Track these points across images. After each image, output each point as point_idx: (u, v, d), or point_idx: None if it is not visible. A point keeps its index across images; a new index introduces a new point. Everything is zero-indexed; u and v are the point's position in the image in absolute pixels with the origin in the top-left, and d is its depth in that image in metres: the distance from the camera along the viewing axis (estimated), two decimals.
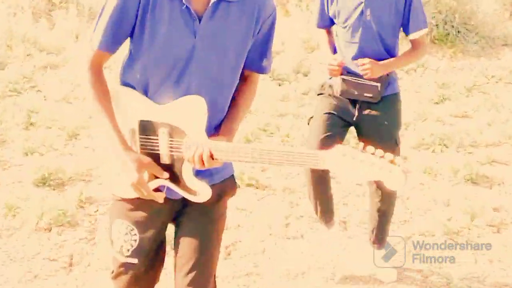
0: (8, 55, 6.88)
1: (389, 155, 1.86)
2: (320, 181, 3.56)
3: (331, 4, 3.41)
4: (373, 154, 1.87)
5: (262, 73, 2.29)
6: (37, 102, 5.82)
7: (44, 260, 3.61)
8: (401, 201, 4.49)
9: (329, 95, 3.44)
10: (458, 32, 8.38)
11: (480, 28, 8.60)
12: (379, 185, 3.35)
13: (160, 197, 2.12)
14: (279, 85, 6.81)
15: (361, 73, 3.26)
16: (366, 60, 3.24)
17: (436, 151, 5.43)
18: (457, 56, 8.08)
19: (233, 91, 2.21)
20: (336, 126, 3.41)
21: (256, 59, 2.23)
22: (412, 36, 3.42)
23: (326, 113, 3.41)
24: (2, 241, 3.77)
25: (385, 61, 3.32)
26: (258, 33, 2.16)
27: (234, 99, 2.23)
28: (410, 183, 4.77)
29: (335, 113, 3.41)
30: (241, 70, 2.22)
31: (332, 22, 3.49)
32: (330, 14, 3.44)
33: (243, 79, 2.26)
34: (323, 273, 3.65)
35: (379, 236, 3.63)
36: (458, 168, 4.95)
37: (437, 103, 6.69)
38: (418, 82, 7.25)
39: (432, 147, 5.48)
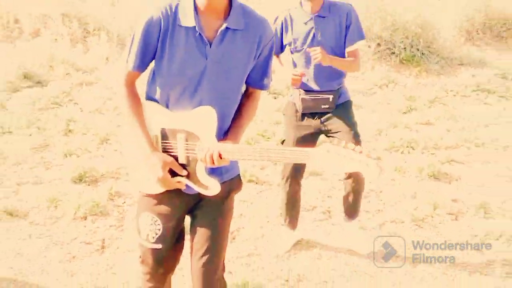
0: (50, 74, 6.89)
1: (366, 150, 1.86)
2: (293, 200, 3.63)
3: (286, 34, 3.42)
4: (353, 150, 1.87)
5: (264, 89, 2.29)
6: (74, 113, 5.84)
7: (81, 244, 3.63)
8: (376, 194, 4.51)
9: (293, 113, 3.46)
10: (422, 54, 8.40)
11: (441, 51, 8.62)
12: (353, 174, 3.34)
13: (182, 185, 2.15)
14: (275, 98, 6.81)
15: (313, 58, 3.22)
16: (317, 48, 3.21)
17: (404, 152, 5.44)
18: (422, 74, 8.09)
19: (237, 103, 2.22)
20: (303, 142, 3.41)
21: (258, 78, 2.24)
22: (353, 47, 3.38)
23: (294, 137, 3.45)
24: (46, 228, 3.79)
25: (332, 56, 3.29)
26: (259, 56, 2.17)
27: (240, 111, 2.23)
28: (383, 179, 4.78)
29: (300, 135, 3.44)
30: (243, 85, 2.23)
31: (282, 50, 3.51)
32: (285, 43, 3.44)
33: (248, 95, 2.28)
34: (311, 254, 3.66)
35: (354, 210, 3.63)
36: (423, 167, 4.96)
37: (405, 113, 6.69)
38: (389, 96, 7.26)
39: (401, 149, 5.48)
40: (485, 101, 7.29)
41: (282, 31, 3.43)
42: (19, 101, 6.04)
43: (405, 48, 8.34)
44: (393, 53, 8.35)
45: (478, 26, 9.79)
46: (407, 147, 5.52)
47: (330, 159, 1.91)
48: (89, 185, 4.39)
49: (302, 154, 1.98)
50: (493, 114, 6.76)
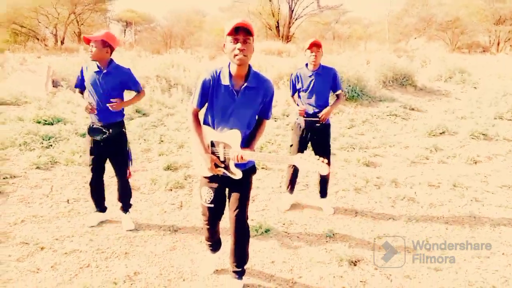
0: (150, 110, 6.94)
1: (322, 158, 1.88)
2: (294, 177, 3.58)
3: (298, 82, 3.39)
4: (313, 157, 1.89)
5: (268, 119, 2.26)
6: (164, 131, 5.85)
7: (169, 204, 3.64)
8: (333, 175, 4.46)
9: (298, 129, 3.42)
10: (358, 95, 8.31)
11: (368, 93, 8.51)
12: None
13: (221, 172, 2.15)
14: (275, 121, 6.80)
15: (321, 118, 3.28)
16: (324, 112, 3.29)
17: (349, 150, 5.37)
18: (358, 106, 8.00)
19: (252, 126, 2.20)
20: (302, 146, 3.41)
21: (265, 112, 2.21)
22: (337, 92, 3.38)
23: (297, 142, 3.42)
24: (148, 196, 3.81)
25: (328, 108, 3.30)
26: (264, 100, 2.15)
27: (254, 131, 2.21)
28: (337, 165, 4.73)
29: (301, 140, 3.41)
30: (256, 117, 2.20)
31: (295, 92, 3.46)
32: (298, 87, 3.41)
33: (259, 121, 2.25)
34: (297, 209, 3.62)
35: (324, 192, 3.58)
36: (359, 158, 4.90)
37: (349, 128, 6.62)
38: (340, 118, 7.19)
39: (347, 149, 5.41)
40: (394, 121, 7.17)
41: (295, 81, 3.41)
42: (134, 124, 6.08)
43: (348, 91, 8.25)
44: None
45: (389, 78, 9.66)
46: (350, 147, 5.45)
47: (302, 162, 1.92)
48: (173, 171, 4.40)
49: (288, 159, 1.99)
50: (399, 128, 6.65)
